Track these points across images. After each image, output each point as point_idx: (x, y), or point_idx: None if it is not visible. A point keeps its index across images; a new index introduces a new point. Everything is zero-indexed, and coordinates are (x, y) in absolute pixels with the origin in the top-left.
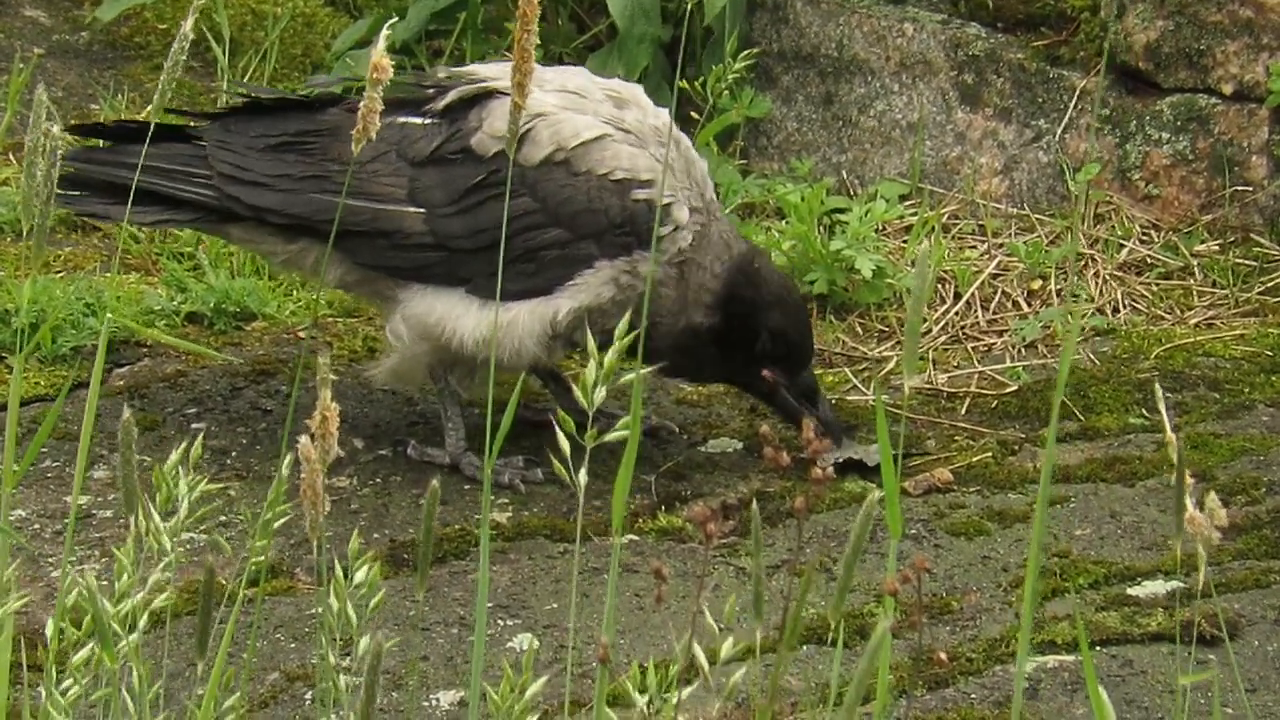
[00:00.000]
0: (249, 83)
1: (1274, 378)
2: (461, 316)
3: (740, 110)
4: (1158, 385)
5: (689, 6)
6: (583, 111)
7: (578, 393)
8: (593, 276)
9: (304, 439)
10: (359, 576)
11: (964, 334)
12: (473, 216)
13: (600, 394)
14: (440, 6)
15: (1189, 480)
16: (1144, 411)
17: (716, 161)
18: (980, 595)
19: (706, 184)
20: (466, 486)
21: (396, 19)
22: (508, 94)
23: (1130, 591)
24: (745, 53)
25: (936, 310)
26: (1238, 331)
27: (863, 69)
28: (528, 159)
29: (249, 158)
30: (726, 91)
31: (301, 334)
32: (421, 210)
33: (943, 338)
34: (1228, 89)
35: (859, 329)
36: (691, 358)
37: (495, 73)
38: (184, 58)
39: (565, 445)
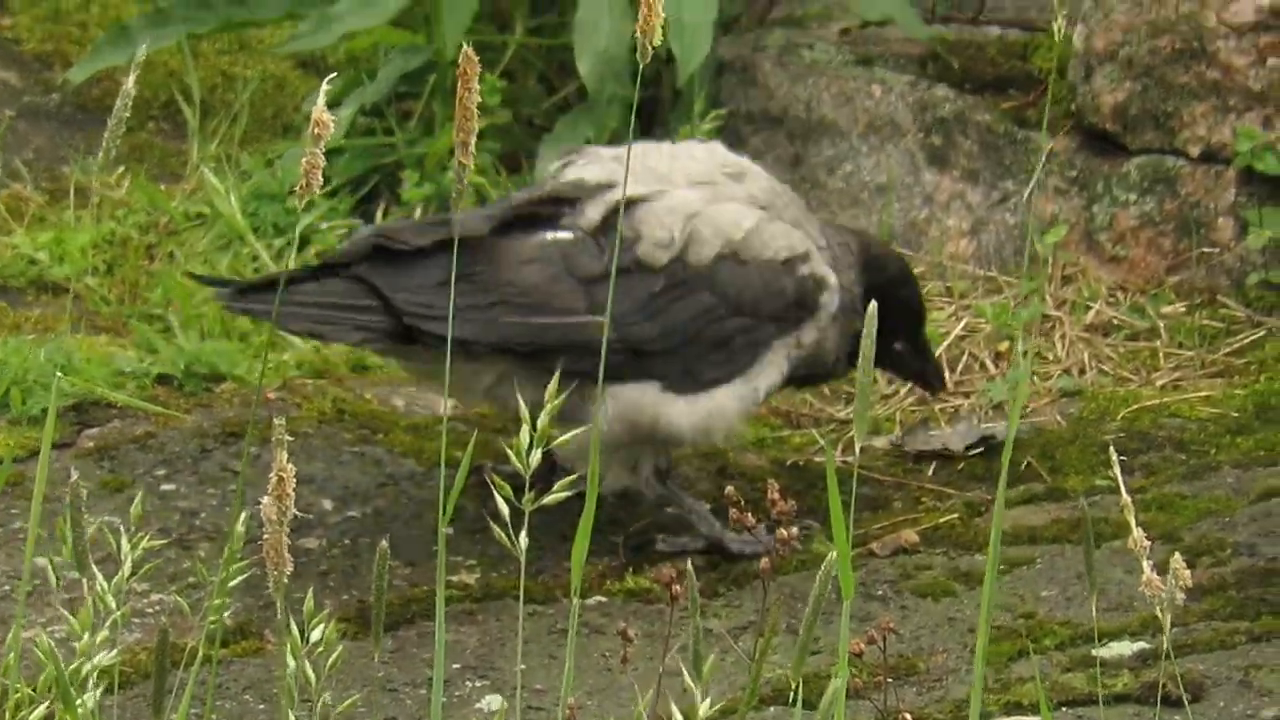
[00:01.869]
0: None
1: (1239, 439)
2: (668, 409)
3: None
4: (1113, 450)
5: (666, 65)
6: (723, 198)
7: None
8: (772, 355)
9: (266, 500)
10: (314, 635)
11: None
12: (662, 321)
13: (536, 456)
14: (410, 68)
15: (1145, 544)
16: (1110, 473)
17: None
18: (946, 656)
19: (805, 210)
20: (434, 548)
21: (335, 74)
22: (645, 200)
23: (1097, 653)
24: (713, 114)
25: None
26: (1204, 393)
27: (831, 130)
28: (699, 258)
29: (429, 294)
30: None
31: (272, 395)
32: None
33: (910, 399)
34: (1195, 151)
35: (826, 390)
36: (850, 362)
37: (602, 175)
38: (127, 115)
39: (505, 509)
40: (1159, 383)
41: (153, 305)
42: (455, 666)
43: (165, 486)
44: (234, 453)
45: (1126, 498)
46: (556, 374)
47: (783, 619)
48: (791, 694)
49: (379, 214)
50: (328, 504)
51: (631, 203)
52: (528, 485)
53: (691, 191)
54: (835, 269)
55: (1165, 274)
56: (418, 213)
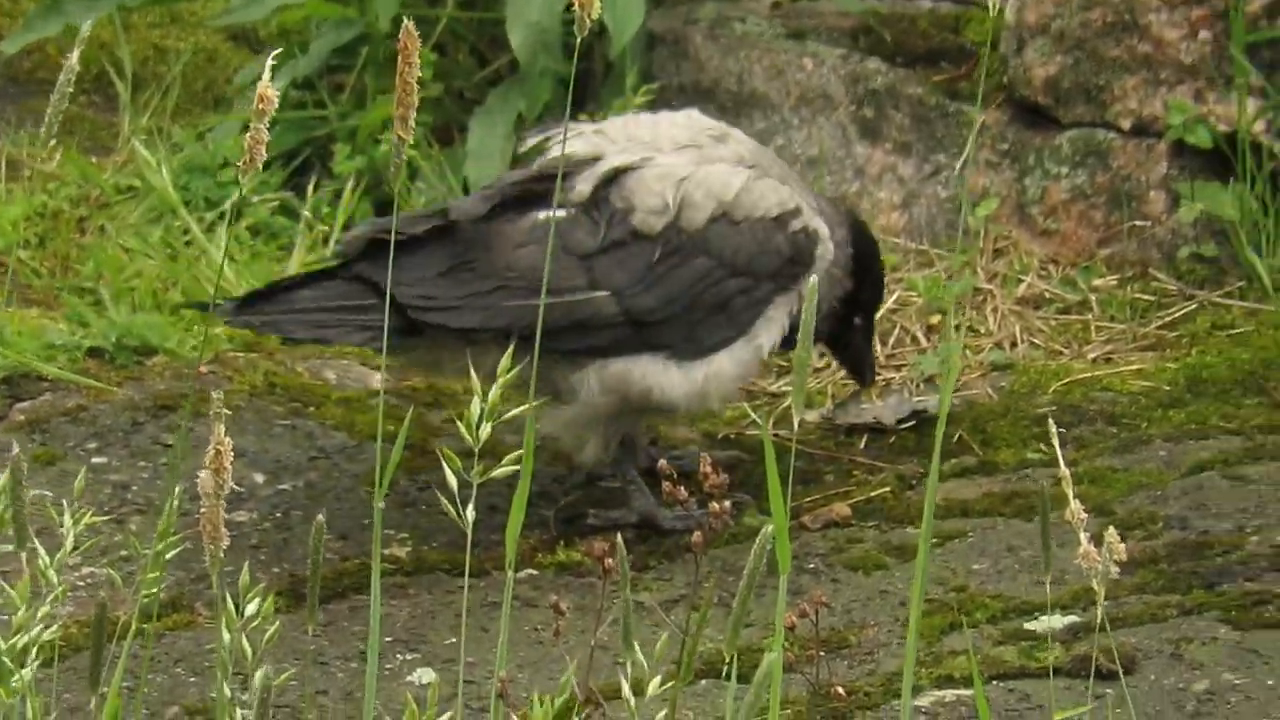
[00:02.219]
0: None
1: (1171, 412)
2: (664, 378)
3: None
4: (1052, 422)
5: (598, 38)
6: (709, 160)
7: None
8: (773, 312)
9: (203, 474)
10: (250, 609)
11: None
12: (662, 289)
13: (486, 430)
14: (342, 41)
15: (1083, 516)
16: (1042, 446)
17: None
18: (878, 629)
19: (789, 169)
20: (365, 521)
21: (279, 50)
22: (634, 168)
23: (1028, 626)
24: (645, 87)
25: None
26: (1135, 366)
27: (762, 103)
28: (691, 222)
29: (430, 285)
30: None
31: (204, 369)
32: (608, 293)
33: (841, 372)
34: (1126, 124)
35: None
36: (825, 325)
37: (587, 148)
38: (70, 90)
39: (453, 481)
40: (1090, 356)
41: (84, 278)
42: (386, 640)
43: (97, 460)
44: (165, 426)
45: (1065, 471)
46: (510, 347)
47: (714, 592)
48: (726, 667)
49: (310, 187)
50: (259, 477)
51: (620, 172)
52: (476, 458)
53: (678, 156)
54: (827, 224)
55: (1097, 247)
56: (349, 185)
